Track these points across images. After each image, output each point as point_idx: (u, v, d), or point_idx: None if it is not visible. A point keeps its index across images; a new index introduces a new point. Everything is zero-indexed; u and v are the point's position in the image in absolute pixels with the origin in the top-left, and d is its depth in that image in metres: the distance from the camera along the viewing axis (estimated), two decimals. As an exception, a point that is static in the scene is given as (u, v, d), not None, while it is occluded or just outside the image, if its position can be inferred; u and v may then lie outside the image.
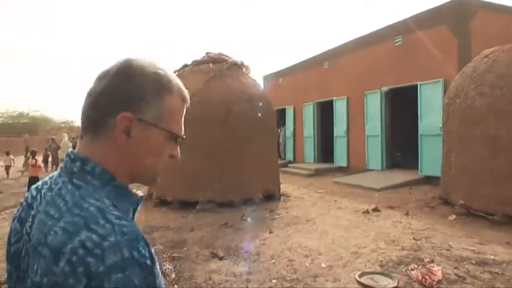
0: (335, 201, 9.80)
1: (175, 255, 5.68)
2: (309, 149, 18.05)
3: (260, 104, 9.66)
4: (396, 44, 12.97)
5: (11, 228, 0.99)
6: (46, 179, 1.01)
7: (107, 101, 0.93)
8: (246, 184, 9.25)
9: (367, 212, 8.24)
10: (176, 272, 5.04)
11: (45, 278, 0.80)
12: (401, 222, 7.38)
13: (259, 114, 9.45)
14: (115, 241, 0.80)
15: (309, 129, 18.01)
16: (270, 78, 21.90)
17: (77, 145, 1.00)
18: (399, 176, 12.26)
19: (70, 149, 1.00)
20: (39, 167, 11.79)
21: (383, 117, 13.61)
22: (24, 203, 1.00)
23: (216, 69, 9.68)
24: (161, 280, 0.87)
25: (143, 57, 0.99)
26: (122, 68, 0.95)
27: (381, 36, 13.75)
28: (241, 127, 9.21)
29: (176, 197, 9.21)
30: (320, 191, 11.55)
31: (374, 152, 13.93)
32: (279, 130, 18.79)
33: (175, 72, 10.31)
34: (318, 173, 15.48)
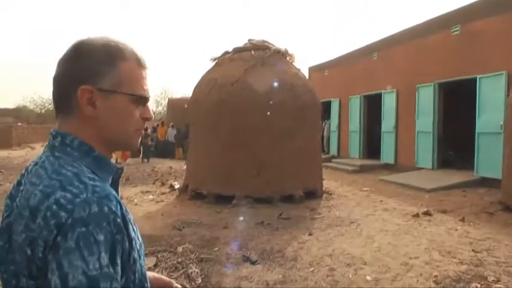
0: (381, 201, 9.08)
1: (203, 256, 5.22)
2: (355, 144, 17.23)
3: (304, 94, 9.04)
4: (454, 33, 11.95)
5: (4, 205, 1.03)
6: (35, 159, 1.05)
7: (66, 80, 1.00)
8: (286, 180, 8.70)
9: (417, 215, 7.50)
10: (203, 276, 4.58)
11: (24, 234, 0.87)
12: (456, 230, 6.61)
13: (303, 104, 8.84)
14: (85, 197, 0.86)
15: (355, 123, 17.18)
16: (316, 69, 21.14)
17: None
18: (452, 177, 11.32)
19: (51, 129, 1.04)
20: None
21: (436, 113, 12.64)
22: (14, 182, 1.06)
23: (258, 56, 9.14)
24: (136, 245, 0.94)
25: (95, 35, 1.04)
26: (73, 47, 1.01)
27: (437, 25, 12.73)
28: (282, 118, 8.64)
29: (212, 191, 8.79)
30: (365, 189, 10.83)
31: (425, 149, 12.99)
32: (324, 123, 18.07)
33: (215, 59, 9.86)
34: (363, 169, 14.69)
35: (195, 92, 9.70)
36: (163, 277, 1.33)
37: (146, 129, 21.80)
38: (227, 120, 8.65)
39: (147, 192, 10.47)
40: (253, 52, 9.26)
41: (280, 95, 8.69)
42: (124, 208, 0.91)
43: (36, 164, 1.00)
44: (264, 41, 9.78)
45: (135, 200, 9.35)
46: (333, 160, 17.05)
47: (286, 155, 8.72)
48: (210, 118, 8.92)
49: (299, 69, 9.83)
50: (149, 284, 1.04)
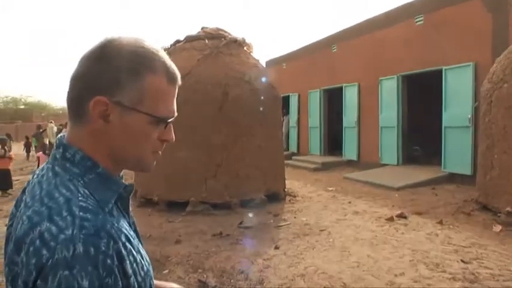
0: (350, 203, 8.37)
1: (149, 284, 4.24)
2: (315, 140, 16.56)
3: (263, 87, 8.18)
4: (417, 23, 11.44)
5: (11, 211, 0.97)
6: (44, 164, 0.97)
7: (83, 84, 0.88)
8: (246, 182, 7.82)
9: (391, 219, 6.80)
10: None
11: (8, 268, 0.80)
12: (437, 235, 5.94)
13: (262, 99, 7.97)
14: (71, 235, 0.75)
15: (315, 118, 16.52)
16: (273, 63, 20.34)
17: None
18: (419, 173, 10.81)
19: (60, 135, 0.95)
20: (10, 158, 10.29)
21: (400, 107, 12.11)
22: (22, 189, 0.97)
23: (212, 46, 8.19)
24: (137, 277, 0.83)
25: (128, 35, 0.92)
26: (98, 48, 0.89)
27: (400, 15, 12.19)
28: (240, 114, 7.74)
29: (163, 197, 7.80)
30: (330, 189, 10.12)
31: (389, 145, 12.44)
32: (283, 119, 17.29)
33: (164, 49, 8.80)
34: (325, 167, 14.03)
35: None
36: (165, 284, 1.20)
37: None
38: (178, 117, 7.61)
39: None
40: (207, 41, 8.30)
41: (238, 88, 7.79)
42: (121, 241, 0.80)
43: (37, 175, 0.92)
44: (219, 29, 8.84)
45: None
46: (293, 157, 16.32)
47: (245, 154, 7.84)
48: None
49: (258, 60, 8.96)
50: None
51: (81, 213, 0.79)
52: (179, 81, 0.95)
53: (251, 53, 8.94)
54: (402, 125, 12.16)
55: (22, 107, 53.36)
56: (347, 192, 9.55)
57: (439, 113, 10.70)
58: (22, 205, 0.87)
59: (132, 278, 0.81)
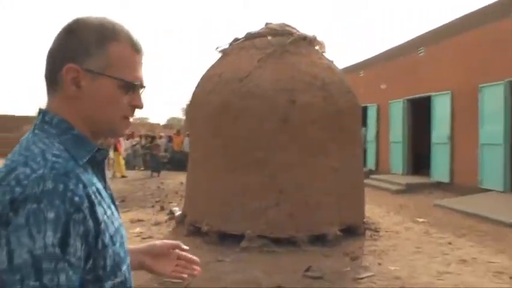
0: (450, 244, 6.47)
1: None
2: (397, 156, 14.53)
3: (340, 94, 6.56)
4: None
5: None
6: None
7: (55, 56, 0.97)
8: (316, 212, 6.22)
9: (519, 276, 4.88)
10: None
11: None
12: None
13: (338, 108, 6.36)
14: (42, 173, 0.83)
15: (396, 132, 14.50)
16: (349, 71, 18.46)
17: None
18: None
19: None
20: None
21: (508, 119, 9.90)
22: None
23: (277, 43, 6.72)
24: (108, 229, 0.90)
25: (90, 16, 0.99)
26: (67, 25, 0.98)
27: (505, 8, 10.03)
28: (310, 127, 6.18)
29: (215, 227, 6.38)
30: (420, 220, 8.20)
31: (493, 165, 10.22)
32: (359, 133, 15.48)
33: (221, 50, 7.50)
34: (410, 189, 12.01)
35: (194, 93, 7.34)
36: (157, 242, 1.28)
37: (153, 138, 19.71)
38: (232, 130, 6.25)
39: (138, 221, 8.15)
40: (270, 38, 6.85)
41: (307, 95, 6.24)
42: (92, 189, 0.89)
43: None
44: (286, 25, 7.36)
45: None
46: (371, 176, 14.35)
47: (315, 177, 6.24)
48: (209, 127, 6.53)
49: (332, 62, 7.36)
50: (129, 275, 1.00)
51: (53, 158, 0.87)
52: (142, 50, 1.02)
53: (324, 53, 7.37)
54: (511, 141, 9.93)
55: None
56: (443, 227, 7.61)
57: None
58: None
59: (103, 225, 0.88)
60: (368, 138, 16.27)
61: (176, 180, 14.86)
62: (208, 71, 7.27)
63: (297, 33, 7.15)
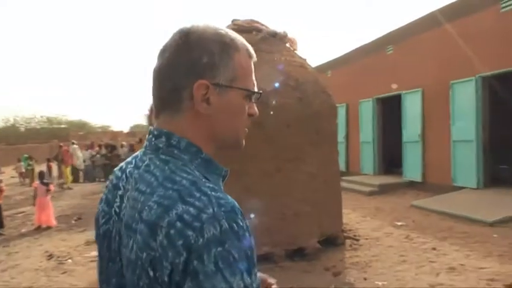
0: (434, 249, 6.12)
1: None
2: (368, 157, 14.29)
3: (316, 95, 6.11)
4: (503, 9, 9.11)
5: (98, 210, 0.98)
6: (129, 159, 0.99)
7: (177, 73, 0.90)
8: (293, 224, 5.74)
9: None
10: None
11: (144, 253, 0.78)
12: None
13: (314, 110, 5.90)
14: (212, 213, 0.77)
15: (367, 132, 14.26)
16: (316, 71, 18.24)
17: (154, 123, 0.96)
18: (513, 201, 8.42)
19: (151, 127, 0.94)
20: (1, 190, 8.54)
21: (480, 116, 9.73)
22: (109, 185, 0.99)
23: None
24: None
25: (196, 23, 0.94)
26: (180, 37, 0.92)
27: (474, 3, 9.89)
28: (285, 131, 5.70)
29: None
30: (399, 223, 7.86)
31: (465, 162, 10.03)
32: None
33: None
34: (383, 189, 11.74)
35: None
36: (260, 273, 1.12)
37: (113, 147, 18.89)
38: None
39: (95, 242, 7.45)
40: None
41: (280, 96, 5.75)
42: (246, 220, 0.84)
43: (137, 167, 0.91)
44: (253, 21, 6.87)
45: (68, 260, 6.31)
46: (342, 178, 13.97)
47: (292, 185, 5.77)
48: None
49: (305, 60, 6.91)
50: None
51: (213, 193, 0.80)
52: (255, 57, 0.98)
53: (295, 51, 6.91)
54: (483, 138, 9.77)
55: (63, 126, 53.19)
56: (424, 230, 7.28)
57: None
58: (131, 194, 0.87)
59: (254, 253, 0.82)
60: (338, 139, 15.96)
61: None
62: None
63: (266, 29, 6.67)
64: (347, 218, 8.05)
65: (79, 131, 50.48)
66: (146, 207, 0.80)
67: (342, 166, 15.51)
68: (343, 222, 7.06)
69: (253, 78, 0.96)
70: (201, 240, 0.74)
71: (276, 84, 5.78)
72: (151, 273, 0.77)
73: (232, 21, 6.95)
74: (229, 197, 0.82)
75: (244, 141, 1.00)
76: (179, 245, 0.74)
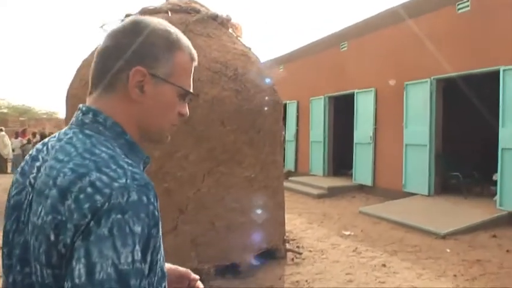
0: (384, 266, 5.49)
1: None
2: (317, 157, 13.70)
3: (258, 88, 5.31)
4: (460, 10, 8.68)
5: (12, 181, 0.95)
6: (54, 134, 0.97)
7: (120, 56, 0.91)
8: (225, 236, 4.92)
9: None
10: None
11: (50, 216, 0.77)
12: None
13: (255, 105, 5.10)
14: (124, 183, 0.77)
15: (318, 131, 13.65)
16: (268, 66, 17.53)
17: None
18: (467, 210, 8.01)
19: (81, 105, 0.95)
20: None
21: (433, 119, 9.29)
22: (27, 157, 0.96)
23: (179, 21, 5.30)
24: (162, 244, 0.84)
25: (150, 17, 0.97)
26: (132, 25, 0.94)
27: (429, 3, 9.44)
28: (219, 128, 4.87)
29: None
30: (347, 233, 7.23)
31: (417, 168, 9.59)
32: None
33: (103, 26, 5.99)
34: (332, 193, 11.15)
35: (71, 84, 5.73)
36: (179, 268, 1.20)
37: (45, 135, 17.52)
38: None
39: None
40: (170, 14, 5.43)
41: (214, 87, 4.90)
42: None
43: (59, 140, 0.90)
44: (192, 1, 5.98)
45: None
46: (290, 178, 13.31)
47: (225, 192, 4.94)
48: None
49: (250, 49, 6.09)
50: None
51: (130, 168, 0.81)
52: (197, 61, 1.01)
53: (239, 38, 6.09)
54: (436, 143, 9.35)
55: (2, 110, 49.86)
56: (373, 242, 6.67)
57: (492, 129, 7.93)
58: (48, 163, 0.84)
59: (159, 238, 0.82)
60: (288, 138, 15.34)
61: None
62: (90, 55, 5.69)
63: (206, 11, 5.80)
64: (291, 225, 7.38)
65: (20, 117, 47.41)
66: (61, 174, 0.79)
67: (291, 166, 15.05)
68: (286, 230, 6.31)
69: (191, 80, 0.99)
70: (106, 205, 0.73)
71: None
72: (52, 237, 0.75)
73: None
74: (146, 176, 0.82)
75: (169, 137, 1.00)
76: (85, 207, 0.73)
